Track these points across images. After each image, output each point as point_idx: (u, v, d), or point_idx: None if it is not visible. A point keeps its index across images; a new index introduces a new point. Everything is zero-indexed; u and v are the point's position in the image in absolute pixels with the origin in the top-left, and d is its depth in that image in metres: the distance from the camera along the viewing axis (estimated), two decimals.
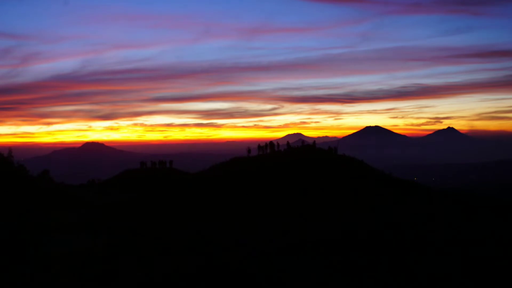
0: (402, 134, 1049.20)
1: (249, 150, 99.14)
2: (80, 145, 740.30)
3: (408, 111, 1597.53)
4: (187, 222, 60.67)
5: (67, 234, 53.55)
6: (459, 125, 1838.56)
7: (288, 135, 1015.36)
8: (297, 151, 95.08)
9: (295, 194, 67.48)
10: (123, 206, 77.35)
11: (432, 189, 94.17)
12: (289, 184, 71.11)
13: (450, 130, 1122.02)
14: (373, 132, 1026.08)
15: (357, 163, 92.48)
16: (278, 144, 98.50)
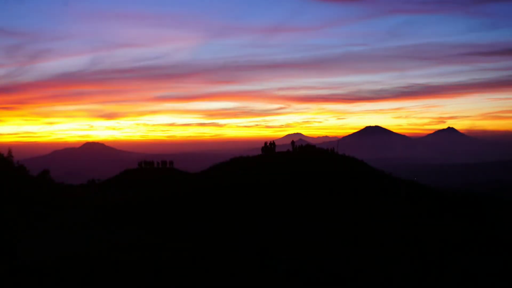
0: (402, 134, 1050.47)
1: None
2: (80, 145, 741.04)
3: (414, 111, 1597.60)
4: (186, 222, 60.71)
5: (66, 234, 53.57)
6: (462, 125, 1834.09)
7: (288, 135, 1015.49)
8: (296, 151, 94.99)
9: (293, 194, 67.52)
10: (123, 206, 77.42)
11: (432, 189, 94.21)
12: (287, 184, 71.15)
13: (450, 130, 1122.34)
14: (373, 132, 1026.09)
15: (357, 163, 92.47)
16: (274, 144, 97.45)
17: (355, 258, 46.18)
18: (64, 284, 28.18)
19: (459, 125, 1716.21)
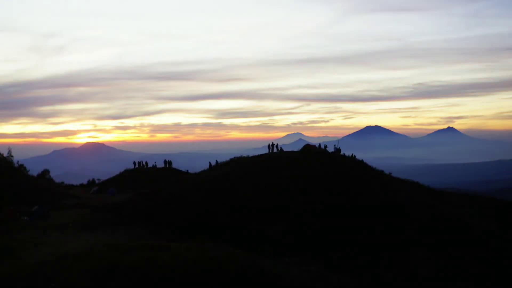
0: (403, 133, 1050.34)
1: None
2: (80, 145, 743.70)
3: (429, 111, 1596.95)
4: (184, 222, 60.80)
5: (66, 235, 53.64)
6: (470, 124, 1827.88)
7: (288, 135, 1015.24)
8: (294, 152, 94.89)
9: (292, 194, 67.58)
10: (123, 206, 77.57)
11: (432, 189, 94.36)
12: (286, 185, 71.18)
13: (450, 129, 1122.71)
14: (373, 132, 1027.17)
15: (356, 163, 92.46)
16: (276, 144, 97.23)
17: (355, 255, 46.27)
18: (64, 284, 28.22)
19: (468, 124, 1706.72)
